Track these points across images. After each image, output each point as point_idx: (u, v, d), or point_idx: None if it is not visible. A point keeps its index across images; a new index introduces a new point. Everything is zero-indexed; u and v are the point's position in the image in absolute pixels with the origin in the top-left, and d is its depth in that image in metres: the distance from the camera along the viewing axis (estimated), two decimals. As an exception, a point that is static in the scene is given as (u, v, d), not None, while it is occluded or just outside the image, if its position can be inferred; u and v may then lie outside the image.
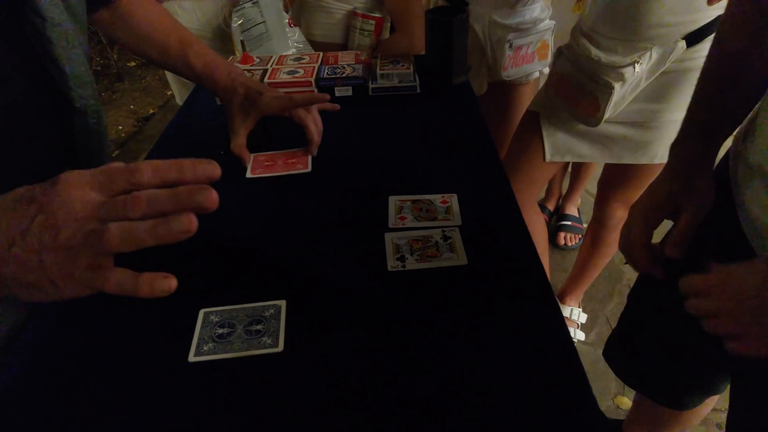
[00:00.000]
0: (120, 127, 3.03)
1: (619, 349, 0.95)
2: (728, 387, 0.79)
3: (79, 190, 0.37)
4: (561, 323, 0.55)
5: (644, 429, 1.12)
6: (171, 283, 0.38)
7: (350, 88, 1.04)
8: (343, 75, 1.03)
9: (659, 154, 1.13)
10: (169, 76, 1.60)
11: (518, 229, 0.67)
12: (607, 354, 0.98)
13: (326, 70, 1.05)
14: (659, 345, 0.85)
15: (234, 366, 0.52)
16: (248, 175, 0.80)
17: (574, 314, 1.61)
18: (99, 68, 3.47)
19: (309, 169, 0.80)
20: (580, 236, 1.93)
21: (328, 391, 0.50)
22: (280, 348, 0.53)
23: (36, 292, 0.38)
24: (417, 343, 0.54)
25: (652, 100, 1.06)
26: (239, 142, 0.81)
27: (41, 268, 0.36)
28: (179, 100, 1.60)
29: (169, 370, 0.52)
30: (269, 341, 0.54)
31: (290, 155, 0.83)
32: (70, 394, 0.51)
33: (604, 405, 1.44)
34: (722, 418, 1.40)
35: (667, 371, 0.87)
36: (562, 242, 1.94)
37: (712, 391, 0.87)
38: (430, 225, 0.68)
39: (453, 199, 0.72)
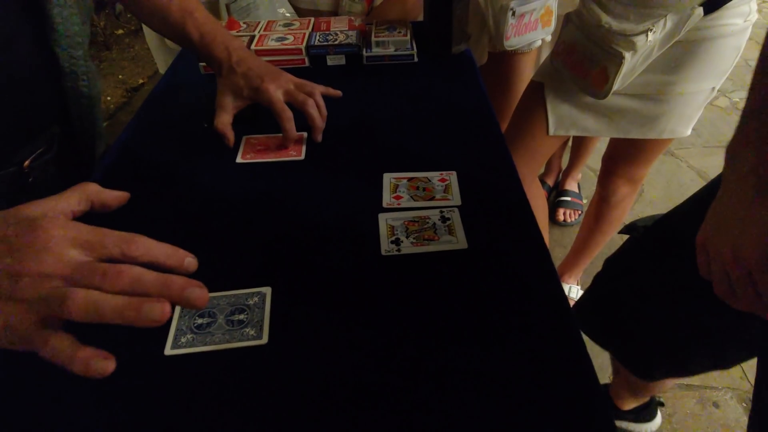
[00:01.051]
0: (108, 98, 2.94)
1: (591, 312, 0.94)
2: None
3: (59, 244, 0.35)
4: (568, 314, 0.51)
5: (626, 391, 1.14)
6: (108, 365, 0.35)
7: (343, 56, 0.97)
8: (336, 42, 0.97)
9: (668, 128, 1.08)
10: (151, 44, 1.52)
11: (522, 211, 0.63)
12: (578, 314, 0.98)
13: (317, 37, 0.99)
14: (630, 315, 0.83)
15: (214, 359, 0.48)
16: (238, 160, 0.73)
17: (573, 292, 1.59)
18: (85, 36, 3.35)
19: (302, 156, 0.74)
20: (580, 212, 1.89)
21: (315, 387, 0.46)
22: (264, 340, 0.49)
23: None
24: (413, 334, 0.50)
25: (664, 72, 1.00)
26: (224, 120, 0.73)
27: None
28: (162, 70, 1.52)
29: (144, 365, 0.48)
30: (253, 332, 0.50)
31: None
32: (36, 389, 0.46)
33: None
34: (718, 396, 1.39)
35: (639, 342, 0.85)
36: (562, 218, 1.89)
37: (682, 371, 0.86)
38: (428, 205, 0.63)
39: (452, 177, 0.68)
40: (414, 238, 0.59)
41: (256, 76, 0.72)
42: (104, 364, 0.35)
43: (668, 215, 0.78)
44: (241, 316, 0.51)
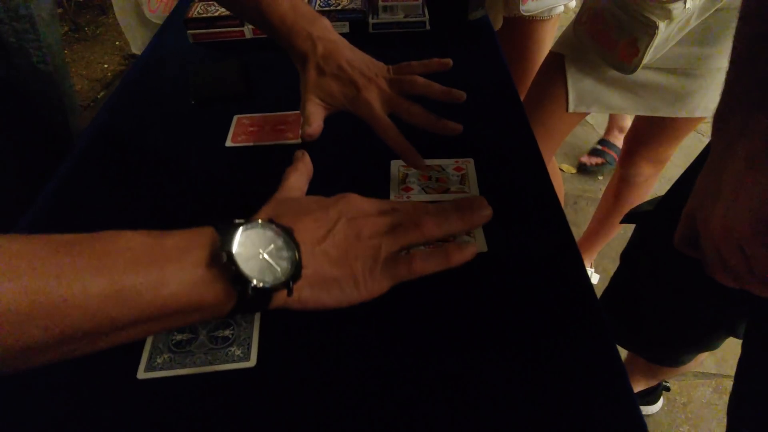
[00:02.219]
0: (105, 66, 2.84)
1: (611, 311, 0.89)
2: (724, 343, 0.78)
3: (366, 203, 0.43)
4: (604, 332, 0.44)
5: (639, 375, 1.11)
6: (471, 248, 0.40)
7: (347, 23, 0.89)
8: (339, 8, 0.88)
9: (701, 106, 0.99)
10: (122, 20, 1.35)
11: (550, 206, 0.55)
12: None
13: (318, 2, 0.90)
14: (654, 306, 0.79)
15: (194, 385, 0.42)
16: (228, 143, 0.66)
17: (587, 275, 1.52)
18: (81, 0, 3.23)
19: (300, 140, 0.66)
20: (603, 162, 1.87)
21: (310, 420, 0.40)
22: (252, 362, 0.43)
23: (332, 291, 0.37)
24: (428, 352, 0.43)
25: (701, 43, 0.91)
26: (313, 121, 0.57)
27: (346, 262, 0.37)
28: (135, 50, 1.38)
29: (113, 390, 0.42)
30: (239, 353, 0.43)
31: (280, 120, 0.69)
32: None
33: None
34: (737, 385, 1.34)
35: (663, 332, 0.82)
36: (583, 160, 1.89)
37: (707, 348, 0.83)
38: (441, 199, 0.56)
39: (469, 166, 0.60)
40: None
41: (349, 80, 0.57)
42: (470, 246, 0.40)
43: (669, 194, 0.72)
44: (226, 332, 0.45)
